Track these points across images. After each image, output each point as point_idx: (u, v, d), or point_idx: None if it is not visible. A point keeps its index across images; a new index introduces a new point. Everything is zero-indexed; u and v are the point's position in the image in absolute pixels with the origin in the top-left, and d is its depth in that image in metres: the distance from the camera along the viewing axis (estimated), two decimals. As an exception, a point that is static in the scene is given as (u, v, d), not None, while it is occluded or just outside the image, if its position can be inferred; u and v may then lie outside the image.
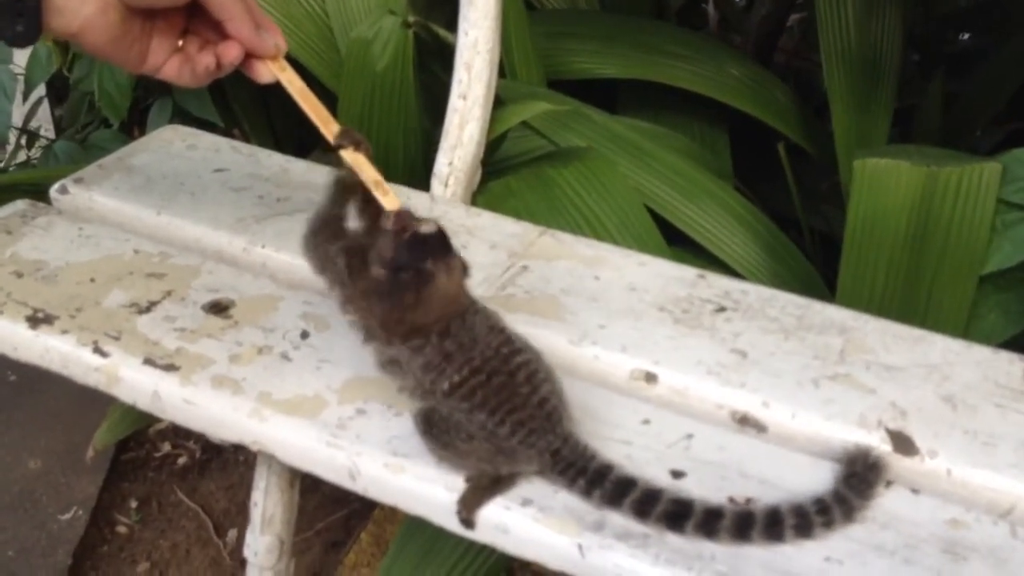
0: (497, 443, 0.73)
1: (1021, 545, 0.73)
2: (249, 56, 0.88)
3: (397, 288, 0.72)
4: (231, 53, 0.87)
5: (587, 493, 0.73)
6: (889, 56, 1.45)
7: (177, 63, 0.89)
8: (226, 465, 1.89)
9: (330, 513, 1.75)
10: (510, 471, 0.75)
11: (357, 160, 0.84)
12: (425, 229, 0.74)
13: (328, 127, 0.87)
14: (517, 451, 0.73)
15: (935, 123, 1.54)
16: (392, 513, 1.60)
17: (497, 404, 0.72)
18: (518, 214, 1.11)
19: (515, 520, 0.73)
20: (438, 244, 0.74)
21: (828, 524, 0.72)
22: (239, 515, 1.76)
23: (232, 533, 1.73)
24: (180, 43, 0.89)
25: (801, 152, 1.51)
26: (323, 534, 1.72)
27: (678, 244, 1.25)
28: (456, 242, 0.75)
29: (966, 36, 1.90)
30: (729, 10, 2.04)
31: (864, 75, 1.44)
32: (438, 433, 0.75)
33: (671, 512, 0.71)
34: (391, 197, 0.81)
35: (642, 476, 0.73)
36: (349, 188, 0.84)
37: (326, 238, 0.82)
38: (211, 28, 0.88)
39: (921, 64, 1.85)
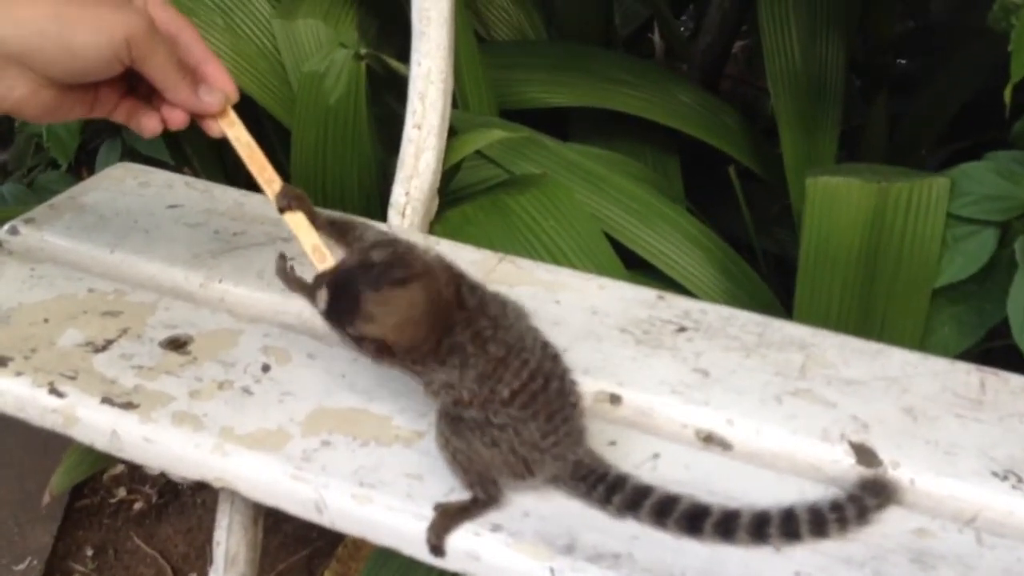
0: (528, 452, 0.73)
1: (987, 552, 0.73)
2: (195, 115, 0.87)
3: (354, 335, 0.72)
4: (176, 119, 0.87)
5: (606, 500, 0.74)
6: (834, 78, 1.48)
7: (125, 112, 0.88)
8: (184, 509, 1.85)
9: (292, 553, 1.72)
10: (519, 480, 0.75)
11: (297, 223, 0.84)
12: (331, 281, 0.74)
13: (272, 187, 0.86)
14: (545, 461, 0.74)
15: (880, 143, 1.57)
16: (355, 551, 1.58)
17: (551, 413, 0.73)
18: (476, 242, 1.11)
19: (486, 546, 0.73)
20: (348, 278, 0.72)
21: (842, 522, 0.73)
22: (199, 559, 1.73)
23: (192, 577, 1.70)
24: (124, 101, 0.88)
25: (751, 175, 1.53)
26: (285, 575, 1.70)
27: (635, 268, 1.26)
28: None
29: (903, 61, 1.95)
30: (675, 39, 2.07)
31: (810, 98, 1.47)
32: (463, 429, 0.73)
33: (690, 514, 0.72)
34: (329, 262, 0.81)
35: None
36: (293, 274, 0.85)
37: (337, 327, 0.78)
38: (154, 90, 0.86)
39: (863, 89, 1.89)
